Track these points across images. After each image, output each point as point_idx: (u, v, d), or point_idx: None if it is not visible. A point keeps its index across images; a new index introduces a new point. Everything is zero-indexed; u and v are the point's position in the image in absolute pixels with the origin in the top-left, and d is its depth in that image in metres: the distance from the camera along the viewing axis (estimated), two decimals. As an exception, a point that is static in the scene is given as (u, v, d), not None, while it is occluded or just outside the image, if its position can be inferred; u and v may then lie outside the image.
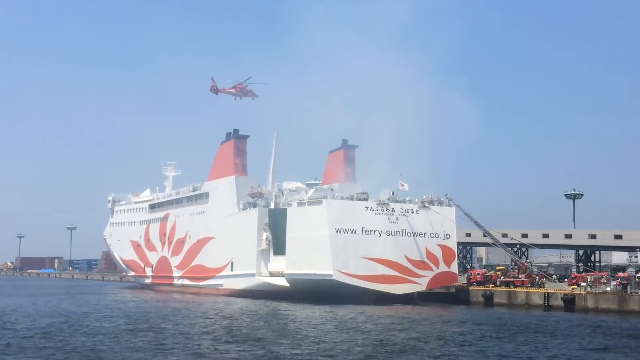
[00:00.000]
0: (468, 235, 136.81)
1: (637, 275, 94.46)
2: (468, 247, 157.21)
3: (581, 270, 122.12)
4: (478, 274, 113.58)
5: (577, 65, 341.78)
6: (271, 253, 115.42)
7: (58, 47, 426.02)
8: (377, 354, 50.76)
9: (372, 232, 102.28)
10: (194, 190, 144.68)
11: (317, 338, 58.92)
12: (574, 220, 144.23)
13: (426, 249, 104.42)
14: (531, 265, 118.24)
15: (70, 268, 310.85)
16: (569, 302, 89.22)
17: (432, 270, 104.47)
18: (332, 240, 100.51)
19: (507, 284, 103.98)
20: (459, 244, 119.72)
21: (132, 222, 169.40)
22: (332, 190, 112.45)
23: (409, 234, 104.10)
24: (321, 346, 54.09)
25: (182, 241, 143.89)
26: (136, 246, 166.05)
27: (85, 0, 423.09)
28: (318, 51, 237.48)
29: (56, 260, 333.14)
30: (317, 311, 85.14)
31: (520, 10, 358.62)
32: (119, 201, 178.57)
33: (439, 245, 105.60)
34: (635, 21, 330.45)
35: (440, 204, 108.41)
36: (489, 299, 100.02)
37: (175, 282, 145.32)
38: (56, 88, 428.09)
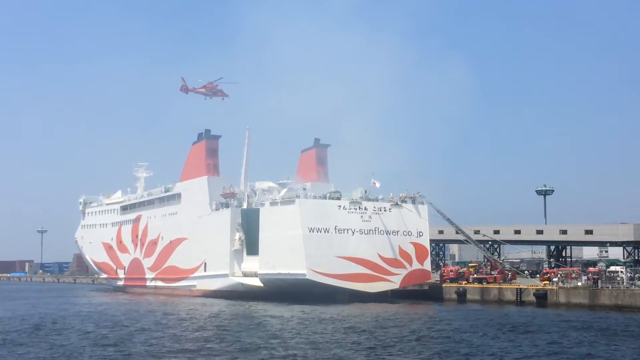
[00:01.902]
0: (441, 232, 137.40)
1: (608, 270, 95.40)
2: (441, 245, 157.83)
3: (552, 265, 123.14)
4: (451, 271, 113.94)
5: (549, 56, 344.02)
6: (244, 253, 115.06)
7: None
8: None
9: (345, 231, 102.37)
10: (166, 191, 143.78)
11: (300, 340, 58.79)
12: (545, 216, 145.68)
13: (399, 246, 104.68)
14: (502, 261, 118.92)
15: (41, 271, 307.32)
16: (541, 297, 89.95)
17: (406, 268, 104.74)
18: (305, 240, 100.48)
19: (480, 281, 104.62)
20: (431, 241, 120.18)
21: (103, 224, 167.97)
22: (304, 189, 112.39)
23: (382, 232, 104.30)
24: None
25: (154, 242, 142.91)
26: (108, 248, 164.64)
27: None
28: (277, 45, 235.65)
29: (27, 264, 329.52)
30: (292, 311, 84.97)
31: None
32: (90, 203, 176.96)
33: (412, 243, 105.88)
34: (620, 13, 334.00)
35: (413, 201, 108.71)
36: (462, 296, 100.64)
37: (148, 283, 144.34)
38: (19, 88, 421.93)
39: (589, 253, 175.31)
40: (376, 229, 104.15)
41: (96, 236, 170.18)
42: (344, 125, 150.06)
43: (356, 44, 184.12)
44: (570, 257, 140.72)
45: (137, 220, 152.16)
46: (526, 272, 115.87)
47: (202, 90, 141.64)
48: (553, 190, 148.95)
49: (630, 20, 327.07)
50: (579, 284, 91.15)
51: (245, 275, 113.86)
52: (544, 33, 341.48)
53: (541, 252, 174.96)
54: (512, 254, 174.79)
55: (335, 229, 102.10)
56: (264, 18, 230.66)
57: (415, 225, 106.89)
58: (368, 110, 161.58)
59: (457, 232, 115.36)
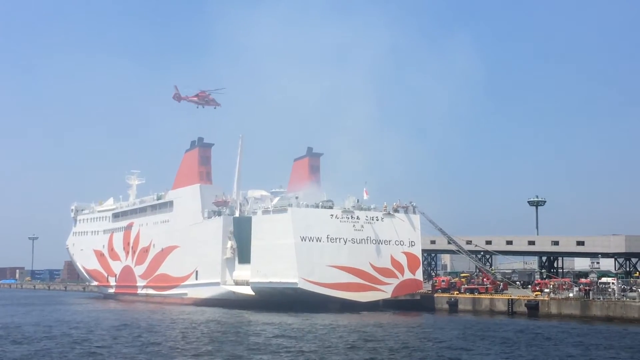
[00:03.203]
0: (433, 242, 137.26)
1: (599, 281, 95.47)
2: (433, 255, 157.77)
3: (544, 276, 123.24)
4: (443, 281, 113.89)
5: (543, 68, 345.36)
6: (236, 261, 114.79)
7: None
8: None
9: (338, 240, 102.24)
10: (158, 198, 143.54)
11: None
12: (537, 227, 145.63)
13: (391, 256, 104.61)
14: (494, 272, 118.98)
15: (28, 278, 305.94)
16: (533, 308, 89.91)
17: (397, 277, 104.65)
18: (297, 249, 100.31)
19: (472, 291, 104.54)
20: (423, 251, 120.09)
21: (95, 232, 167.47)
22: (297, 198, 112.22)
23: (374, 242, 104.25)
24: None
25: (146, 250, 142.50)
26: (99, 256, 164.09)
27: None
28: (267, 47, 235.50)
29: (17, 271, 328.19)
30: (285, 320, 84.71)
31: None
32: (82, 210, 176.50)
33: (404, 252, 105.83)
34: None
35: (405, 211, 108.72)
36: (453, 306, 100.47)
37: (139, 291, 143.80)
38: (9, 94, 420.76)
39: (581, 264, 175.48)
40: (368, 238, 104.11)
41: (87, 243, 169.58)
42: (336, 133, 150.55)
43: (344, 41, 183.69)
44: (562, 268, 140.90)
45: (128, 227, 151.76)
46: (518, 282, 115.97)
47: (195, 99, 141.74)
48: (545, 201, 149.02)
49: (624, 34, 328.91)
50: (571, 295, 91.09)
51: (236, 283, 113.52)
52: (535, 45, 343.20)
53: (533, 263, 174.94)
54: (504, 265, 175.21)
55: (328, 238, 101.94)
56: (248, 20, 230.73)
57: (408, 235, 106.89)
58: (360, 115, 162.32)
59: (449, 242, 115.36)
